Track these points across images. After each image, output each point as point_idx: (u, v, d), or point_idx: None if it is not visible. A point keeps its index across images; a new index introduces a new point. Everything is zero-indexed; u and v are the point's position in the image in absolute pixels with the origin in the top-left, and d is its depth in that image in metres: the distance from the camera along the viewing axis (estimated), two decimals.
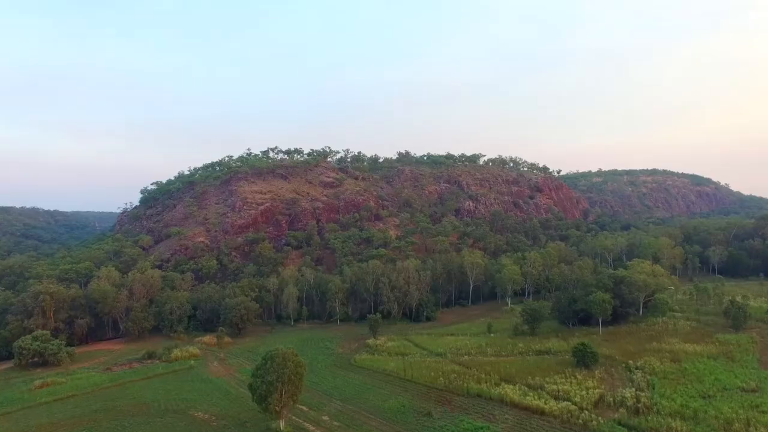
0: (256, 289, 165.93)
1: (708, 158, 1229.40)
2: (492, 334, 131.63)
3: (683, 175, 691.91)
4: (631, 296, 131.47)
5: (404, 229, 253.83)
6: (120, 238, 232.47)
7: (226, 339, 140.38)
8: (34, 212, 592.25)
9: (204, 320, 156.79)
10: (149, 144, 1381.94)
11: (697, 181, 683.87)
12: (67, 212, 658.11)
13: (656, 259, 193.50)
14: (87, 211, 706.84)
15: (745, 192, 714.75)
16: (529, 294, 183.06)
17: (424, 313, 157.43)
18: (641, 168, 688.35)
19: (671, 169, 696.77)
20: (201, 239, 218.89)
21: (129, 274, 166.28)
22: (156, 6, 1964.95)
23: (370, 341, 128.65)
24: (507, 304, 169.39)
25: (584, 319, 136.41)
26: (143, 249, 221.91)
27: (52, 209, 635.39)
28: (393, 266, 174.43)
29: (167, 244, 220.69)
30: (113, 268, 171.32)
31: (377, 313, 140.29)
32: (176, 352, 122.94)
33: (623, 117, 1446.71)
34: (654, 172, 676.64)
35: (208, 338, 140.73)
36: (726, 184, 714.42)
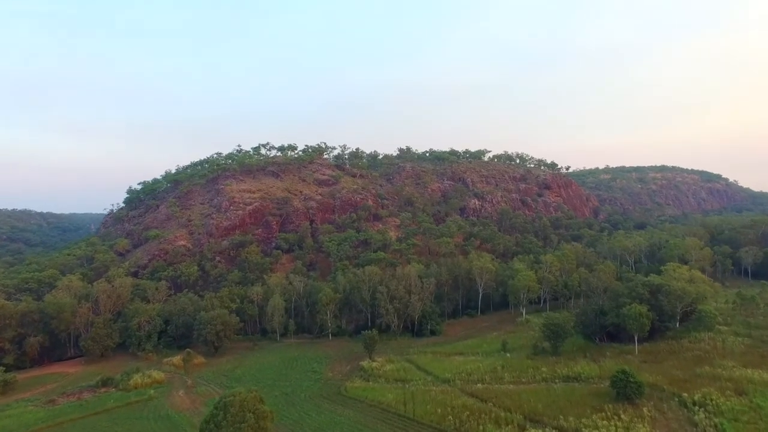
0: (238, 300, 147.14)
1: (712, 155, 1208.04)
2: (508, 354, 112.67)
3: (692, 171, 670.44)
4: (670, 308, 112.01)
5: (405, 230, 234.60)
6: (95, 242, 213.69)
7: (198, 360, 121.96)
8: (25, 214, 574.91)
9: (178, 336, 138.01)
10: (151, 144, 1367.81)
11: (706, 177, 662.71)
12: (60, 214, 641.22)
13: (684, 262, 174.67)
14: (84, 213, 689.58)
15: (755, 188, 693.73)
16: (545, 302, 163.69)
17: (428, 326, 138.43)
18: (649, 164, 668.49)
19: (680, 166, 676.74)
20: (182, 243, 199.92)
21: (94, 283, 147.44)
22: (158, 7, 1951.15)
23: (365, 363, 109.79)
24: (521, 314, 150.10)
25: (613, 334, 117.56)
26: (120, 254, 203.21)
27: (45, 211, 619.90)
28: (392, 272, 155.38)
29: (146, 249, 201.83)
30: (76, 278, 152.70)
31: (373, 329, 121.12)
32: (136, 378, 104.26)
33: (627, 114, 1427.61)
34: (663, 168, 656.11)
35: (178, 359, 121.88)
36: (735, 180, 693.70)
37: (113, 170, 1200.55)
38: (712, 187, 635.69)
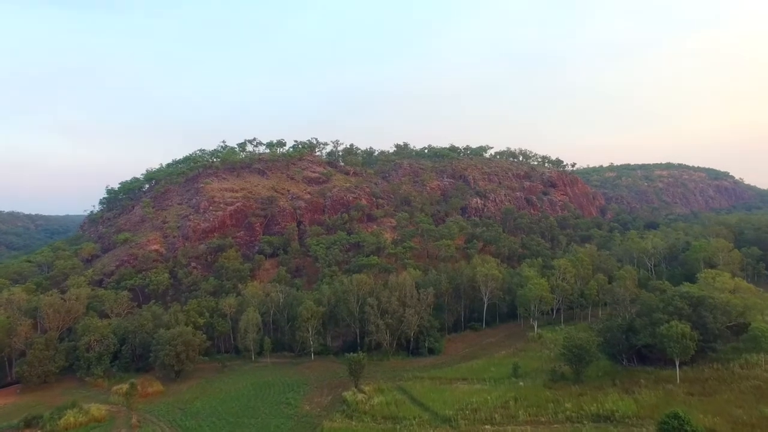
0: (207, 313, 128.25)
1: (717, 152, 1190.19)
2: (521, 382, 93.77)
3: (699, 168, 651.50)
4: (716, 325, 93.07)
5: (402, 232, 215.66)
6: (60, 247, 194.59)
7: (154, 387, 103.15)
8: (11, 216, 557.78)
9: (138, 357, 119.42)
10: (150, 144, 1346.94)
11: (714, 175, 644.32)
12: (50, 216, 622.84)
13: (710, 265, 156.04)
14: (77, 215, 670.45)
15: (761, 186, 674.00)
16: (557, 312, 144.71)
17: (426, 344, 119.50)
18: (655, 162, 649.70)
19: (686, 163, 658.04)
20: (155, 247, 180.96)
21: (41, 296, 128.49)
22: (157, 8, 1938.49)
23: (349, 394, 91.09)
24: (533, 328, 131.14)
25: (644, 354, 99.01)
26: (87, 260, 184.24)
27: (34, 213, 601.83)
28: (385, 280, 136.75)
29: (115, 254, 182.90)
30: (22, 289, 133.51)
31: (361, 351, 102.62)
32: (69, 417, 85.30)
33: (630, 113, 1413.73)
34: (669, 166, 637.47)
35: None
36: (740, 178, 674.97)
37: (114, 170, 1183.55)
38: (719, 184, 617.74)
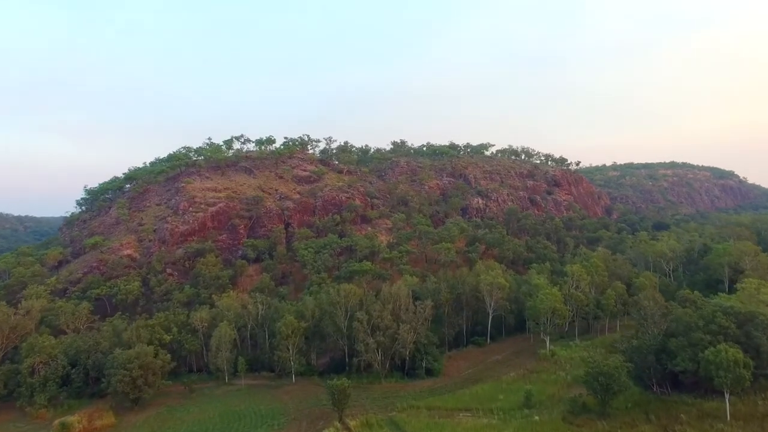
0: (176, 328, 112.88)
1: (720, 151, 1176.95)
2: (536, 416, 78.56)
3: (704, 167, 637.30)
4: None
5: (398, 234, 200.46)
6: (26, 252, 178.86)
7: (105, 419, 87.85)
8: None
9: (93, 380, 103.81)
10: (153, 145, 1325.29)
11: (718, 174, 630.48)
12: (41, 218, 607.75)
13: (737, 272, 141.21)
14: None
15: (764, 185, 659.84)
16: (571, 323, 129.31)
17: (423, 364, 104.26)
18: (658, 161, 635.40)
19: (690, 162, 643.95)
20: (128, 252, 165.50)
21: None
22: (156, 7, 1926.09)
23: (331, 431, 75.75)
24: (545, 343, 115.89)
25: (679, 381, 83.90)
26: (54, 267, 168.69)
27: (24, 214, 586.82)
28: (377, 290, 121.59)
29: (84, 260, 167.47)
30: None
31: (348, 372, 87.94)
32: None
33: (632, 113, 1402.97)
34: (673, 165, 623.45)
35: (77, 417, 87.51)
36: (744, 177, 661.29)
37: (114, 171, 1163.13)
38: (724, 184, 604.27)
